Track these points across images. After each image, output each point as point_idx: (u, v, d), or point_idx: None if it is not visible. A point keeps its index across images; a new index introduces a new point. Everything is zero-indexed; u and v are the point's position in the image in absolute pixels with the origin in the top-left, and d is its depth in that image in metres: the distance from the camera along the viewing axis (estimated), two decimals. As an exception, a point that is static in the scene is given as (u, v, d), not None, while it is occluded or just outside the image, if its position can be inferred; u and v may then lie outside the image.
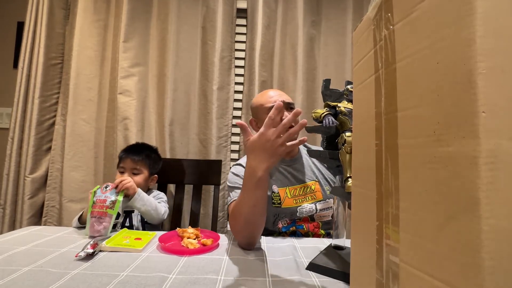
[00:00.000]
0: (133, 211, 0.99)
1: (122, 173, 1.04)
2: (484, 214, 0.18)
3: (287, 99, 0.92)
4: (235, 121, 0.61)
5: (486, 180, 0.18)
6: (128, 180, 0.89)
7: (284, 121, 0.59)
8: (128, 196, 0.91)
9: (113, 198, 0.83)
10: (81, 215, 0.90)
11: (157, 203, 0.99)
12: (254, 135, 0.61)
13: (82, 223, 0.88)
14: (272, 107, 0.90)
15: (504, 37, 0.19)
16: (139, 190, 0.94)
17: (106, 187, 0.85)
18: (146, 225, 1.01)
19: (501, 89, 0.19)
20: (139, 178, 1.03)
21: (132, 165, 1.04)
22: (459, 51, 0.20)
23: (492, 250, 0.18)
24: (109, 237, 0.72)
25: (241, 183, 0.85)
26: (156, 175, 1.14)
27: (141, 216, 0.99)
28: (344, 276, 0.53)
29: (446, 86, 0.21)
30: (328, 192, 0.91)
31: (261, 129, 0.59)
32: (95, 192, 0.83)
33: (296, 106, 1.40)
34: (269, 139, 0.58)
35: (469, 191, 0.19)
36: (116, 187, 0.86)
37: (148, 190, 1.10)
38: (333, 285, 0.52)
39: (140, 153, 1.07)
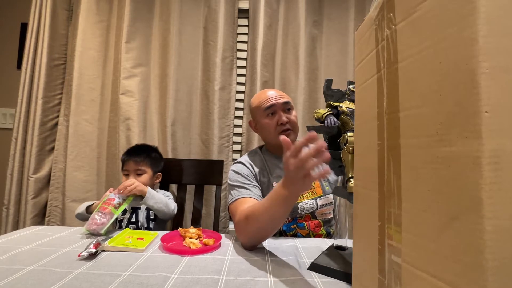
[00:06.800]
0: (139, 208, 1.02)
1: (126, 175, 1.06)
2: (487, 215, 0.18)
3: (284, 99, 0.92)
4: (281, 138, 0.57)
5: (489, 180, 0.18)
6: (133, 186, 0.91)
7: (302, 156, 0.53)
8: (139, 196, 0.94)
9: (121, 199, 0.86)
10: (91, 205, 0.93)
11: (167, 199, 1.02)
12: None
13: (88, 213, 0.91)
14: (269, 106, 0.90)
15: (506, 36, 0.19)
16: (149, 189, 0.96)
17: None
18: (151, 222, 1.03)
19: (504, 89, 0.19)
20: (143, 178, 1.05)
21: (135, 166, 1.06)
22: (462, 51, 0.20)
23: (495, 250, 0.18)
24: (112, 236, 0.72)
25: (243, 182, 0.86)
26: (160, 173, 1.16)
27: (146, 213, 1.02)
28: (346, 277, 0.53)
29: (449, 86, 0.21)
30: (327, 188, 0.91)
31: (285, 156, 0.56)
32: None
33: (298, 106, 1.40)
34: (290, 170, 0.55)
35: (472, 191, 0.19)
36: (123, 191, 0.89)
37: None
38: (335, 285, 0.52)
39: (141, 154, 1.09)
